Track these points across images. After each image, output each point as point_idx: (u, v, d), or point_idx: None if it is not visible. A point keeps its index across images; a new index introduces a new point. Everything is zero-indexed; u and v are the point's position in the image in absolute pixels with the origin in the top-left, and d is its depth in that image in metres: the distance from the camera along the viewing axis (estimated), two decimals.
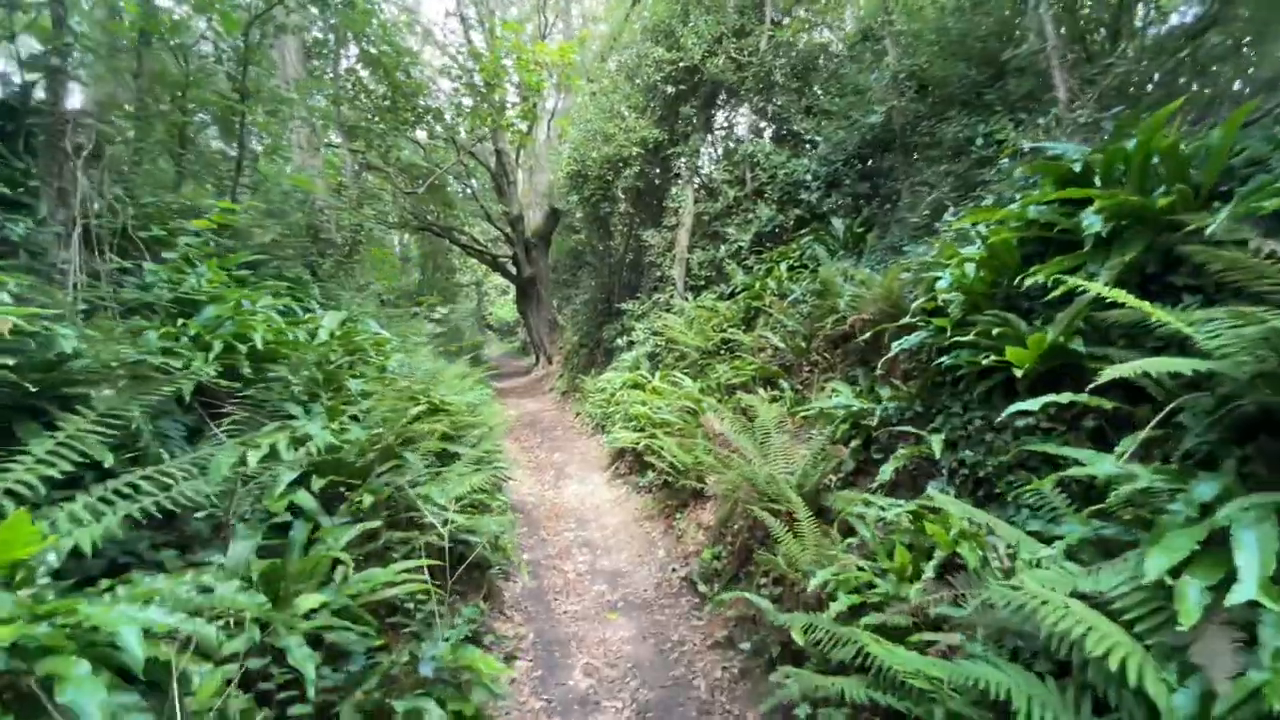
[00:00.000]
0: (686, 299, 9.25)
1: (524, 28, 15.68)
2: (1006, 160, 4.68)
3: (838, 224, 7.71)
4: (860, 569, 3.23)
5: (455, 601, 3.93)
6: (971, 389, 3.47)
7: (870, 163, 8.02)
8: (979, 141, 5.70)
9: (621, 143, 9.71)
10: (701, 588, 4.89)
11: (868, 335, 4.58)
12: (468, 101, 15.58)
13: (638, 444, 7.16)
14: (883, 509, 3.23)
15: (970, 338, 3.34)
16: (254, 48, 7.27)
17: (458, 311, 22.68)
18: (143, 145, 5.39)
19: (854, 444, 4.38)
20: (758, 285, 7.14)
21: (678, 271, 9.58)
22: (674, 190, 10.11)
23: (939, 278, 3.97)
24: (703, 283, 9.65)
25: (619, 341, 10.36)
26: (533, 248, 19.18)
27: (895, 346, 3.91)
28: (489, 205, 19.42)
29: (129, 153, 5.02)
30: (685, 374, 7.86)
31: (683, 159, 9.82)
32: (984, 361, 3.18)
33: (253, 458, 2.93)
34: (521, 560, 5.22)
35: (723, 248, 8.96)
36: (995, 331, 3.16)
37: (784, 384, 5.85)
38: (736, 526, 5.04)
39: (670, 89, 9.92)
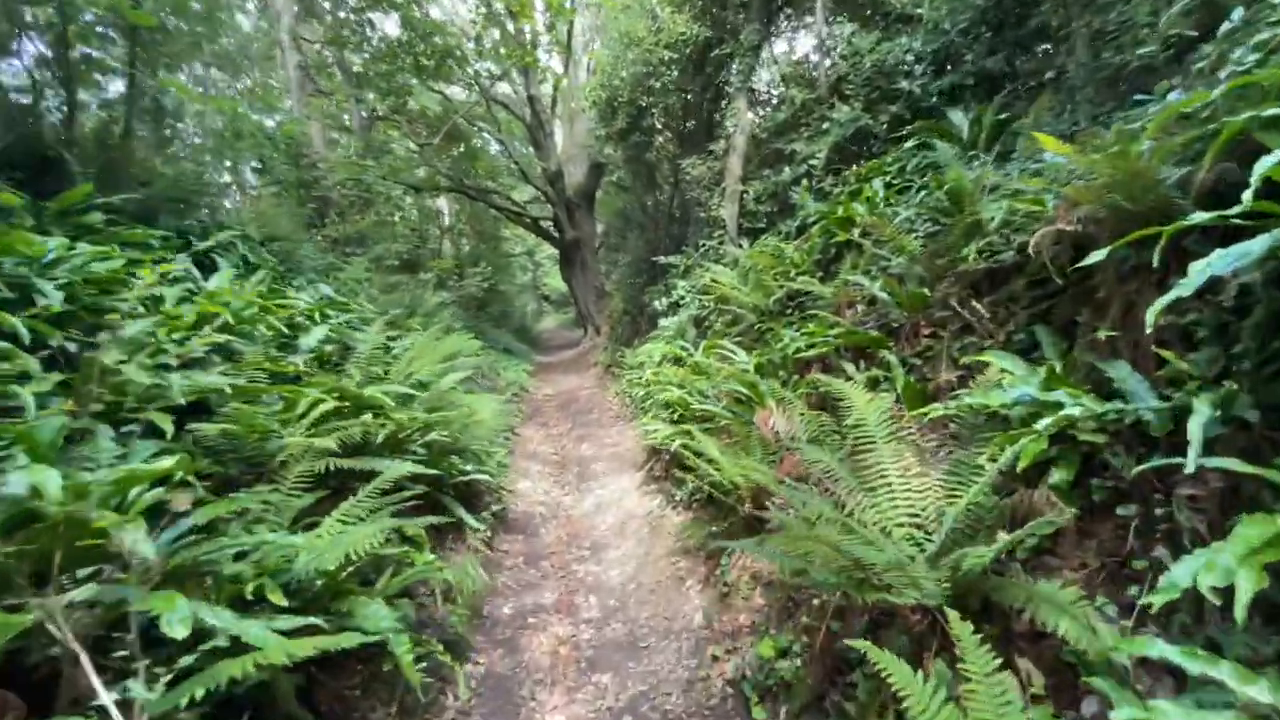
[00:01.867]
0: (740, 245, 7.05)
1: None
2: None
3: (958, 117, 5.26)
4: None
5: None
6: None
7: (1004, 26, 5.46)
8: None
9: (650, 45, 7.47)
10: (758, 710, 2.88)
11: (1083, 265, 2.30)
12: (494, 35, 13.67)
13: (671, 441, 5.17)
14: None
15: None
16: None
17: (503, 281, 21.10)
18: None
19: (1057, 478, 2.19)
20: (841, 211, 4.86)
21: (728, 210, 7.36)
22: (724, 106, 7.81)
23: None
24: (762, 224, 7.39)
25: (658, 304, 8.31)
26: (575, 208, 17.26)
27: (1193, 276, 1.67)
28: (526, 164, 17.54)
29: None
30: (739, 343, 5.75)
31: (734, 62, 7.48)
32: None
33: None
34: (462, 666, 3.36)
35: (787, 170, 6.64)
36: None
37: (889, 357, 3.65)
38: (817, 601, 2.98)
39: None
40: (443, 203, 20.42)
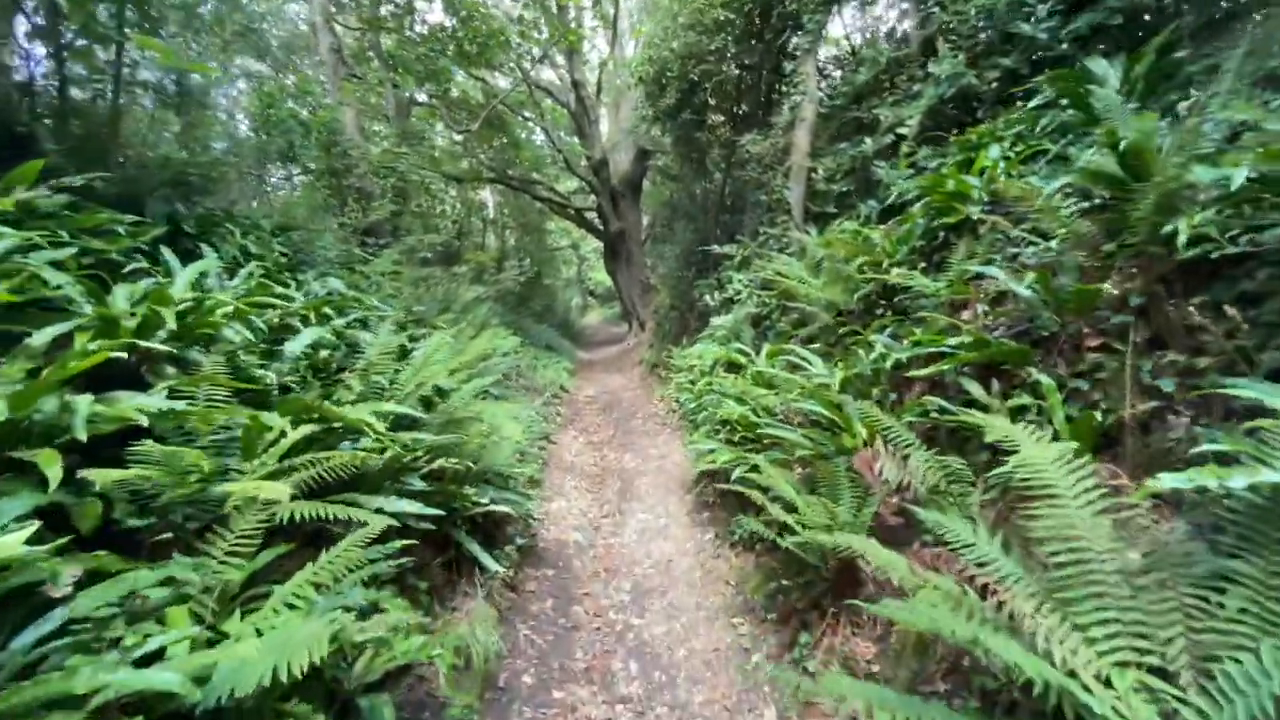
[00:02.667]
0: (808, 232, 6.06)
1: None
2: None
3: (1101, 67, 4.13)
4: None
5: None
6: None
7: None
8: None
9: (703, 3, 6.52)
10: None
11: None
12: (537, 16, 13.00)
13: (730, 467, 4.28)
14: None
15: None
16: None
17: (547, 275, 20.47)
18: None
19: None
20: (951, 184, 3.84)
21: (794, 192, 6.36)
22: (786, 75, 6.80)
23: None
24: (832, 208, 6.37)
25: (709, 299, 7.40)
26: (620, 198, 16.46)
27: None
28: (570, 152, 16.81)
29: None
30: (811, 349, 4.79)
31: (799, 23, 6.46)
32: None
33: None
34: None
35: (867, 142, 5.59)
36: None
37: (1039, 376, 2.66)
38: None
39: None
40: (487, 194, 19.95)
